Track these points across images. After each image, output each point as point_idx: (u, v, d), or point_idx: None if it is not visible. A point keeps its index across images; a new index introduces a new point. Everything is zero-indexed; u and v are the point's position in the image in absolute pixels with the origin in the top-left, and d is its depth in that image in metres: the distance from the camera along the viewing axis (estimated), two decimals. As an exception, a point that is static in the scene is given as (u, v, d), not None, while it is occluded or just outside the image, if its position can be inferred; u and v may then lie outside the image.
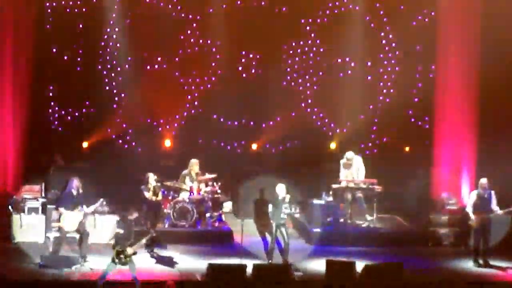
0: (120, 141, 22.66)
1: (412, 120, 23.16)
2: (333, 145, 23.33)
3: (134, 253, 15.53)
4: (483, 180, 17.99)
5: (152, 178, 18.21)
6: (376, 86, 23.20)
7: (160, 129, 22.89)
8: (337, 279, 15.81)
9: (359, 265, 16.29)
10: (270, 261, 17.43)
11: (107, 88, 22.52)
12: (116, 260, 15.47)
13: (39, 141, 21.24)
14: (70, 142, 22.32)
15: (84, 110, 22.51)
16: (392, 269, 16.56)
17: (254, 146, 23.19)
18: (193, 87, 23.03)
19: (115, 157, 21.95)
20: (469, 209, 17.95)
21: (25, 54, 20.08)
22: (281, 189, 17.53)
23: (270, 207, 17.46)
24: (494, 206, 17.87)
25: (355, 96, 22.70)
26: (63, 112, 22.42)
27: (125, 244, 15.51)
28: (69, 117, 22.46)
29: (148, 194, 18.18)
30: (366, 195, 20.11)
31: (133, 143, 22.63)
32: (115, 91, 22.56)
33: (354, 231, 19.51)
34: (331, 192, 20.30)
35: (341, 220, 20.05)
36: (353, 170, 20.13)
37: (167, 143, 22.78)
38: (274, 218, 17.44)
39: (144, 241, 15.92)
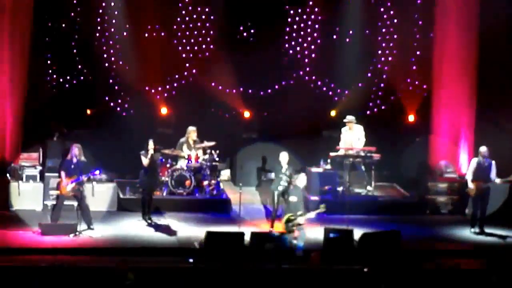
0: (119, 109, 22.56)
1: (411, 88, 22.98)
2: (333, 113, 23.20)
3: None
4: (483, 148, 18.02)
5: (151, 145, 18.03)
6: (374, 54, 23.04)
7: (158, 96, 22.74)
8: (335, 247, 15.86)
9: (357, 233, 16.35)
10: (271, 229, 17.43)
11: (105, 55, 22.33)
12: (284, 226, 15.89)
13: (38, 108, 21.08)
14: (71, 109, 22.15)
15: (82, 77, 22.36)
16: (390, 237, 16.59)
17: (247, 114, 23.03)
18: (190, 54, 22.86)
19: (115, 125, 21.81)
20: (469, 177, 17.98)
21: (23, 22, 19.80)
22: (283, 157, 17.51)
23: (272, 175, 17.48)
24: (493, 175, 17.89)
25: (353, 64, 22.57)
26: (61, 80, 22.26)
27: (297, 213, 15.88)
28: (67, 85, 22.31)
29: (145, 161, 18.02)
30: (365, 163, 20.08)
31: (131, 111, 22.50)
32: (113, 58, 22.37)
33: (352, 199, 19.44)
34: (329, 160, 20.27)
35: (339, 188, 20.01)
36: (354, 137, 20.08)
37: (164, 110, 22.69)
38: (276, 186, 17.45)
39: (314, 214, 16.16)
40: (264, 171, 17.91)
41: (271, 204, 17.85)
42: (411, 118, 22.84)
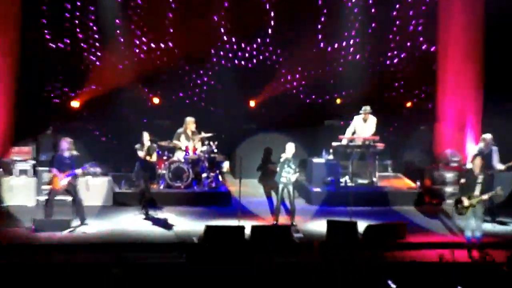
0: (111, 100, 22.15)
1: (416, 75, 22.64)
2: (338, 101, 23.06)
3: (471, 205, 15.67)
4: (486, 136, 17.85)
5: (146, 137, 17.78)
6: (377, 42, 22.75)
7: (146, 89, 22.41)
8: (339, 240, 15.61)
9: (361, 225, 16.16)
10: (275, 222, 17.10)
11: (95, 47, 21.96)
12: (453, 209, 16.00)
13: (28, 102, 20.65)
14: (60, 101, 21.81)
15: (72, 69, 21.94)
16: (395, 229, 16.43)
17: (252, 103, 22.72)
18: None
19: (108, 116, 21.45)
20: (470, 165, 17.54)
21: (12, 11, 19.42)
22: (290, 148, 17.07)
23: (277, 166, 17.04)
24: (496, 162, 17.72)
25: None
26: (52, 72, 21.84)
27: (464, 195, 15.75)
28: (59, 77, 21.89)
29: (141, 153, 17.76)
30: (368, 153, 19.72)
31: (125, 103, 22.12)
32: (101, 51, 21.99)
33: (355, 190, 19.00)
34: (331, 150, 19.87)
35: (342, 179, 19.61)
36: (368, 129, 19.70)
37: (157, 100, 22.31)
38: (280, 178, 17.03)
39: (486, 196, 15.82)
40: (267, 163, 17.56)
41: (275, 196, 17.45)
42: (413, 104, 22.67)
